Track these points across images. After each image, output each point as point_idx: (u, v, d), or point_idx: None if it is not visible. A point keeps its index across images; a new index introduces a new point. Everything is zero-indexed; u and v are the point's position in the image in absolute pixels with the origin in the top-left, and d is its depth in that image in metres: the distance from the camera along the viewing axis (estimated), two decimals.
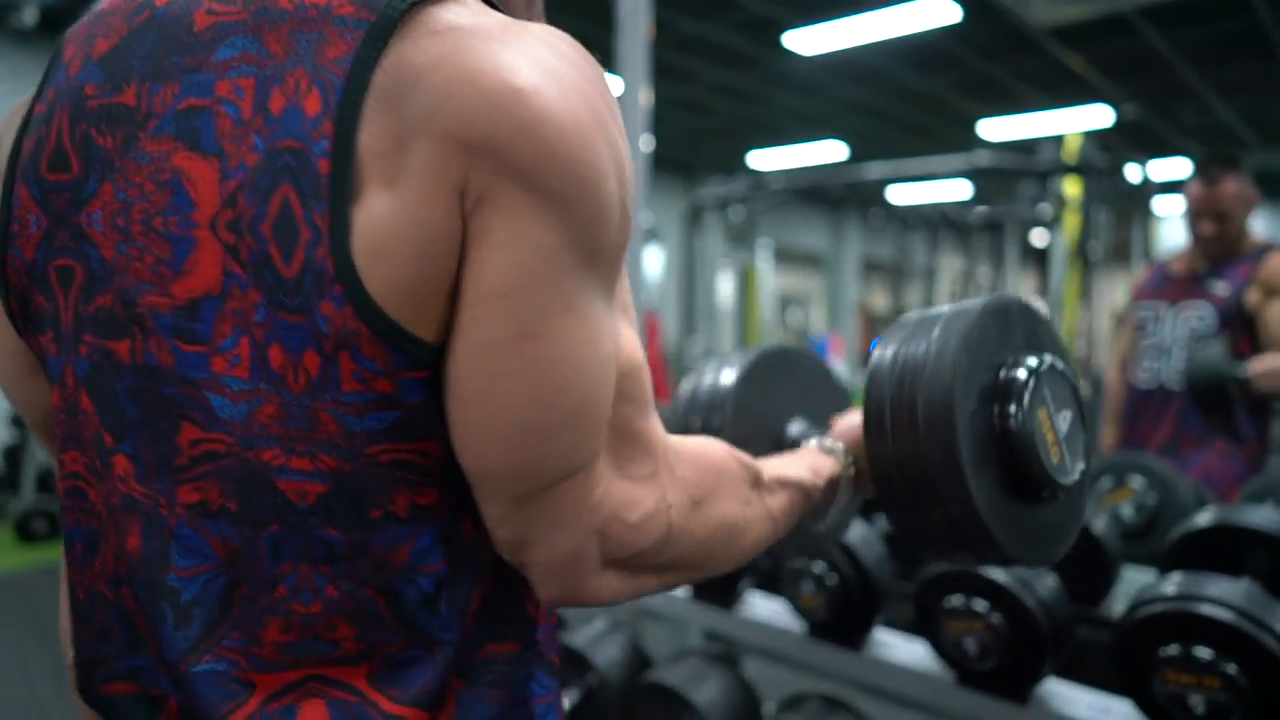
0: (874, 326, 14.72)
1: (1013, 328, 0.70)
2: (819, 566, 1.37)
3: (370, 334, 0.46)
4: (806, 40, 6.33)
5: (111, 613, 0.55)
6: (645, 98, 2.24)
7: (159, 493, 0.51)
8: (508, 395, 0.47)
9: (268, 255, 0.46)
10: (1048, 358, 0.69)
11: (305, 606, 0.50)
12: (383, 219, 0.45)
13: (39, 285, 0.54)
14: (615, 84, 2.13)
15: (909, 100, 8.17)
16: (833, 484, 0.75)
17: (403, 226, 0.45)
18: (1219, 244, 2.16)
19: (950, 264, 9.79)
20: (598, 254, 0.48)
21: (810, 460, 0.74)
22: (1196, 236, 2.18)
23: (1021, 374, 0.67)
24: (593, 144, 0.46)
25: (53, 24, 5.94)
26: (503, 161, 0.44)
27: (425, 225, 0.45)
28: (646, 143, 2.26)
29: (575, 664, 1.73)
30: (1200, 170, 2.17)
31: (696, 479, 0.59)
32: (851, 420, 0.79)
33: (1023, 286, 11.15)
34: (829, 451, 0.77)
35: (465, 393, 0.48)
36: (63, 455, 0.56)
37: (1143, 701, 1.08)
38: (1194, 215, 2.18)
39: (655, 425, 0.56)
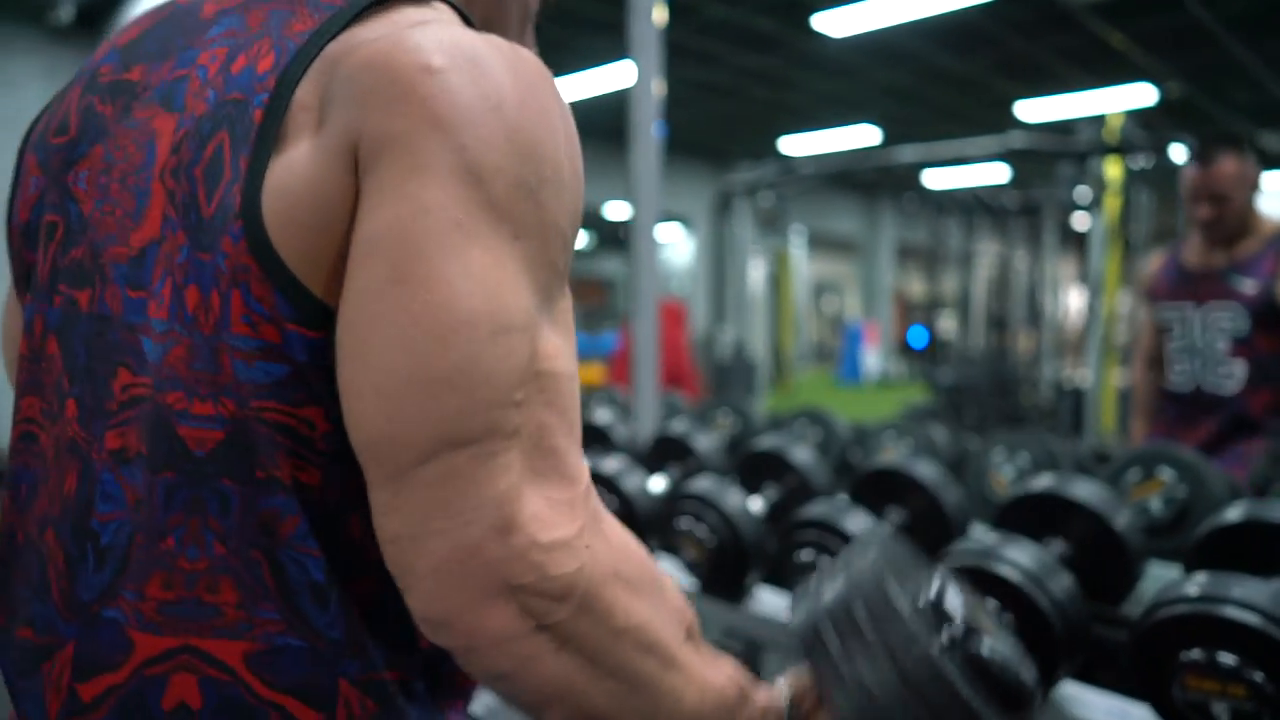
0: (910, 313, 14.52)
1: (893, 557, 0.62)
2: (825, 561, 1.33)
3: (260, 272, 0.47)
4: (836, 21, 6.21)
5: (33, 556, 0.56)
6: (658, 85, 2.19)
7: (93, 436, 0.52)
8: (384, 343, 0.45)
9: (195, 197, 0.49)
10: (941, 572, 0.62)
11: (191, 563, 0.49)
12: (294, 166, 0.48)
13: (29, 243, 0.59)
14: (628, 70, 2.10)
15: (943, 82, 7.99)
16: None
17: (308, 175, 0.48)
18: (1219, 227, 2.05)
19: (987, 249, 9.59)
20: (496, 222, 0.47)
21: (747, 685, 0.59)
22: (1194, 221, 2.08)
23: (957, 600, 0.60)
24: (491, 124, 0.47)
25: (89, 20, 6.02)
26: (395, 125, 0.46)
27: (325, 179, 0.47)
28: (659, 129, 2.21)
29: None
30: (1196, 152, 2.07)
31: (623, 553, 0.51)
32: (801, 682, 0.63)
33: (1062, 271, 10.91)
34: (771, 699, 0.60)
35: (346, 346, 0.47)
36: (20, 401, 0.58)
37: (1162, 708, 1.02)
38: (1190, 198, 2.07)
39: (579, 455, 0.50)
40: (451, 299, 0.44)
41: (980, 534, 1.27)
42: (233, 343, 0.48)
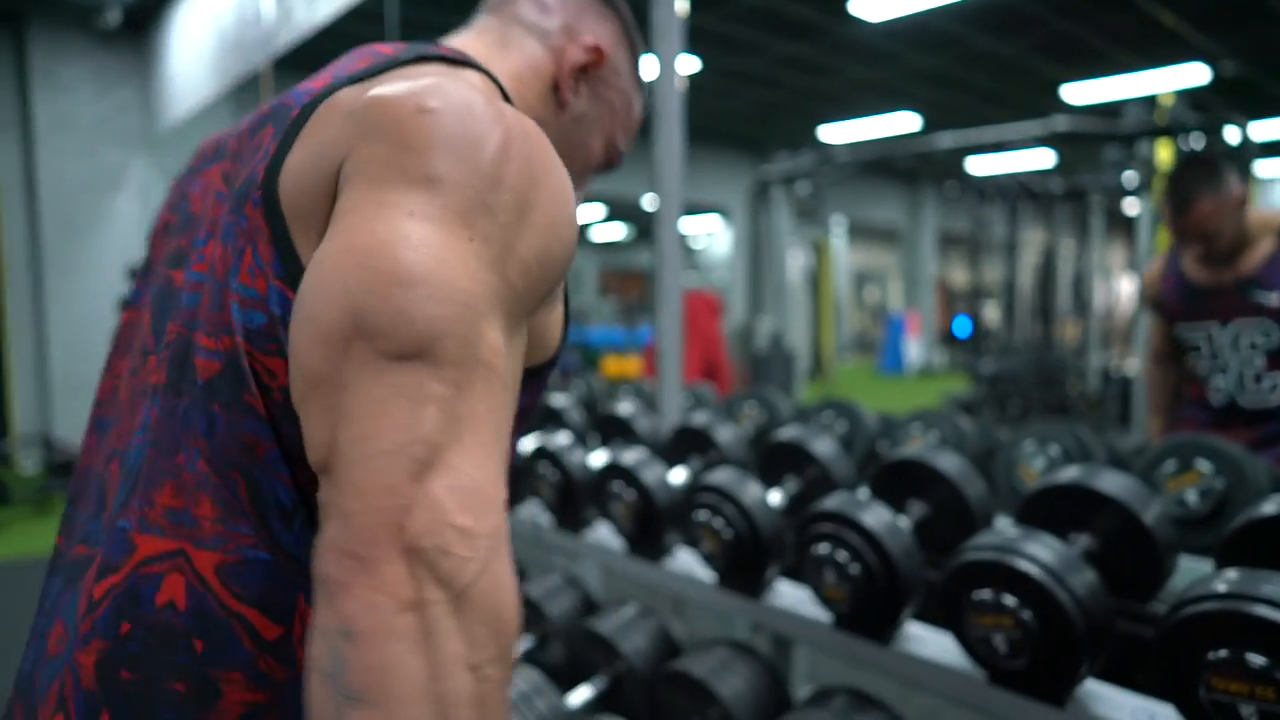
0: (953, 303, 14.26)
1: None
2: (841, 555, 1.30)
3: (268, 234, 0.56)
4: (873, 5, 6.11)
5: (95, 484, 0.66)
6: (680, 78, 2.16)
7: (150, 374, 0.63)
8: (326, 295, 0.48)
9: (238, 173, 0.62)
10: None
11: (192, 475, 0.56)
12: (307, 154, 0.56)
13: (153, 239, 0.75)
14: (650, 63, 2.08)
15: (985, 66, 7.82)
16: None
17: (313, 165, 0.55)
18: (1212, 255, 1.97)
19: (1032, 237, 9.37)
20: (452, 221, 0.50)
21: None
22: (1186, 253, 2.00)
23: None
24: (466, 157, 0.51)
25: (134, 24, 6.16)
26: (376, 150, 0.52)
27: (324, 172, 0.55)
28: (680, 121, 2.18)
29: (603, 650, 1.70)
30: (1170, 192, 1.96)
31: (501, 629, 0.47)
32: None
33: (1111, 258, 10.62)
34: None
35: (299, 301, 0.51)
36: (115, 362, 0.72)
37: (1188, 709, 0.98)
38: (1177, 239, 1.99)
39: (498, 471, 0.49)
40: (394, 263, 0.47)
41: (1003, 528, 1.23)
42: (235, 288, 0.56)
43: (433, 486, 0.44)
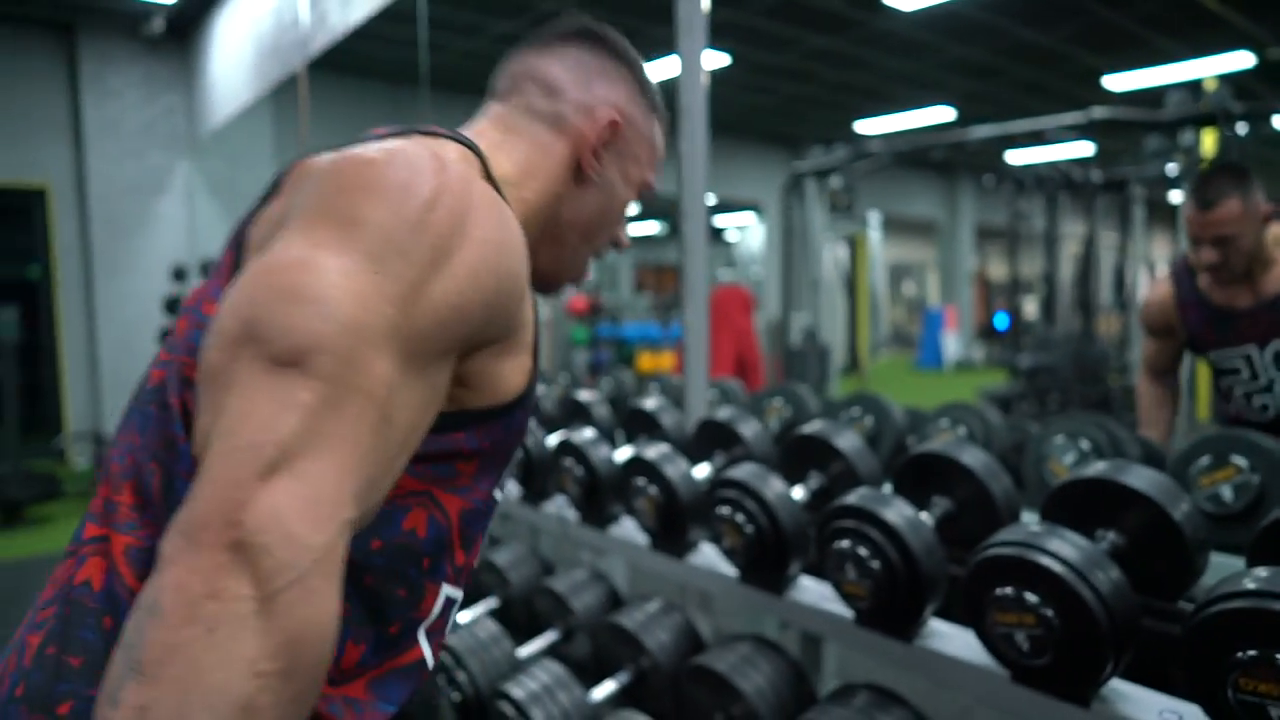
0: (992, 296, 14.04)
1: None
2: (862, 551, 1.29)
3: (230, 274, 0.64)
4: None
5: None
6: (705, 74, 2.15)
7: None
8: (233, 302, 0.54)
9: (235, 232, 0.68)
10: None
11: (120, 466, 0.64)
12: (277, 207, 0.63)
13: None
14: (671, 64, 2.08)
15: (1024, 57, 7.68)
16: None
17: (278, 215, 0.62)
18: (1224, 270, 1.88)
19: (1073, 229, 9.19)
20: (360, 255, 0.54)
21: None
22: (1198, 264, 1.90)
23: None
24: (395, 202, 0.56)
25: (179, 32, 6.30)
26: (312, 194, 0.59)
27: (281, 220, 0.60)
28: (706, 117, 2.18)
29: (627, 645, 1.71)
30: (1197, 189, 1.88)
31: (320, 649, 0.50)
32: None
33: (1153, 249, 10.37)
34: None
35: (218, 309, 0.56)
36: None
37: (1215, 709, 0.96)
38: (1192, 240, 1.90)
39: (352, 495, 0.51)
40: (292, 282, 0.52)
41: (1027, 524, 1.22)
42: (198, 316, 0.64)
43: (275, 487, 0.46)
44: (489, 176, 0.69)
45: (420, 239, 0.56)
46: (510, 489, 2.40)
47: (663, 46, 7.18)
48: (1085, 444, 1.71)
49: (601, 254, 0.88)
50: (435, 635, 0.72)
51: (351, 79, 7.61)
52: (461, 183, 0.60)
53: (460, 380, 0.64)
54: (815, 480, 1.70)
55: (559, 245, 0.81)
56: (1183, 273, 2.05)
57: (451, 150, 0.68)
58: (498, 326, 0.63)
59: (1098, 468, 1.28)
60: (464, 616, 2.06)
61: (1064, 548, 1.09)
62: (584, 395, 2.60)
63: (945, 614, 1.38)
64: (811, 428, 1.73)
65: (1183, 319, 2.06)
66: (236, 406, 0.49)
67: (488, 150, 0.74)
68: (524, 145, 0.78)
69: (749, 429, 1.92)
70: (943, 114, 9.78)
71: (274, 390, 0.49)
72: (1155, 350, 2.19)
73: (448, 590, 0.71)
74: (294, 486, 0.47)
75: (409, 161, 0.59)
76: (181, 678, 0.42)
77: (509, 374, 0.67)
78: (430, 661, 0.71)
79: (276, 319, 0.51)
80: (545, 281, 0.83)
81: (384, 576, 0.65)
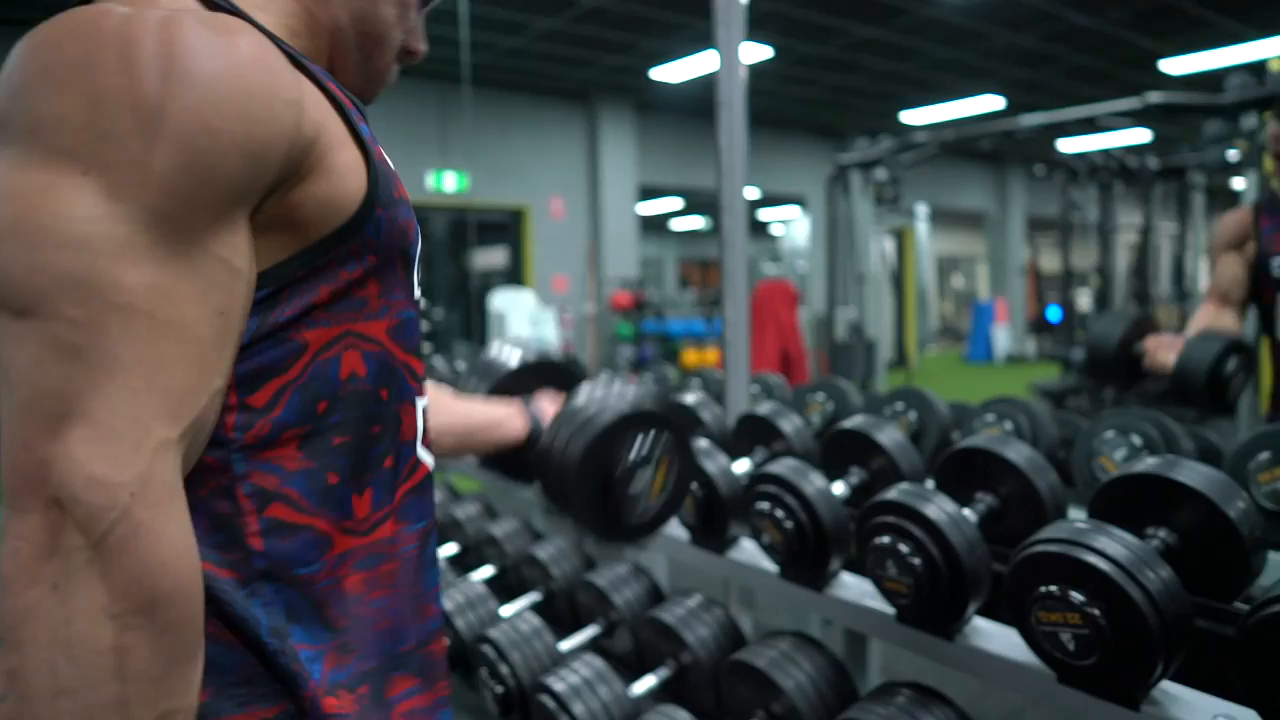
0: (1044, 289, 13.72)
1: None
2: (903, 547, 1.27)
3: None
4: None
5: None
6: (743, 66, 2.14)
7: None
8: None
9: None
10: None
11: None
12: None
13: None
14: (718, 47, 2.06)
15: (1076, 41, 7.48)
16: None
17: None
18: None
19: (1129, 219, 8.95)
20: (57, 161, 0.48)
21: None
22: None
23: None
24: (63, 85, 0.49)
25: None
26: None
27: None
28: (744, 109, 2.16)
29: (668, 640, 1.71)
30: (1276, 112, 1.89)
31: (175, 565, 0.49)
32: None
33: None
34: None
35: None
36: None
37: (1271, 713, 0.93)
38: (1274, 157, 1.91)
39: (151, 415, 0.48)
40: None
41: (1073, 520, 1.19)
42: None
43: (69, 438, 0.45)
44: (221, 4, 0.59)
45: (122, 113, 0.48)
46: None
47: (702, 41, 7.15)
48: (1137, 439, 1.67)
49: (398, 59, 0.78)
50: (427, 446, 0.73)
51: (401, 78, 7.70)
52: (156, 26, 0.50)
53: (289, 221, 0.57)
54: (856, 476, 1.68)
55: (344, 54, 0.71)
56: (1267, 199, 2.07)
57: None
58: (279, 160, 0.54)
59: (1149, 463, 1.24)
60: (507, 610, 2.08)
61: (1112, 545, 1.06)
62: None
63: (990, 612, 1.36)
64: (852, 423, 1.71)
65: (1257, 227, 2.06)
66: (4, 368, 0.47)
67: None
68: None
69: (789, 424, 1.90)
70: (991, 102, 9.58)
71: (28, 341, 0.46)
72: (1224, 267, 2.15)
73: (421, 402, 0.71)
74: (85, 431, 0.46)
75: (79, 30, 0.50)
76: (39, 637, 0.44)
77: (338, 187, 0.59)
78: (431, 468, 0.73)
79: None
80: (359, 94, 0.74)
81: (351, 428, 0.62)
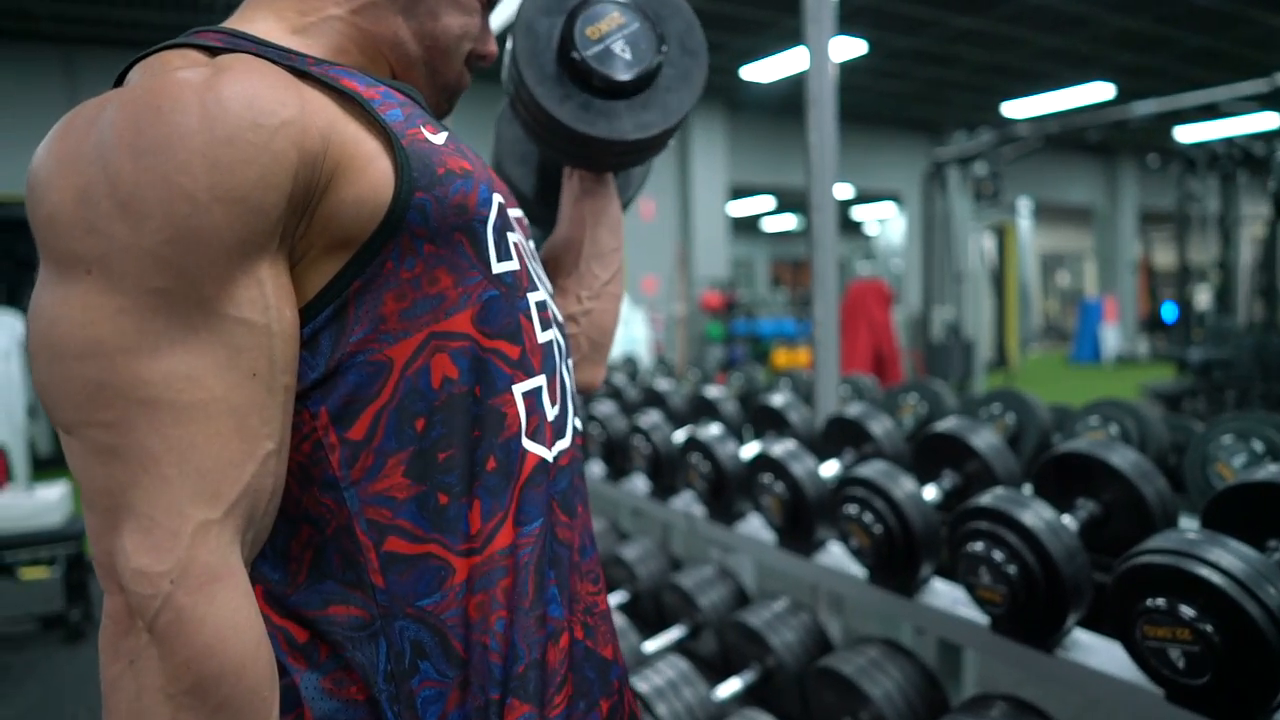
0: (1159, 288, 13.00)
1: None
2: (997, 555, 1.22)
3: None
4: None
5: None
6: (833, 63, 2.10)
7: None
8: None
9: None
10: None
11: None
12: None
13: None
14: (800, 55, 2.03)
15: (1193, 23, 7.07)
16: None
17: None
18: None
19: (1253, 210, 8.39)
20: (62, 265, 0.50)
21: None
22: None
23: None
24: (53, 200, 0.50)
25: None
26: None
27: None
28: (834, 106, 2.13)
29: (753, 644, 1.70)
30: None
31: (221, 647, 0.51)
32: None
33: None
34: None
35: None
36: None
37: None
38: None
39: (182, 502, 0.49)
40: (33, 344, 0.51)
41: (1184, 530, 1.12)
42: None
43: (121, 530, 0.49)
44: (238, 44, 0.58)
45: (99, 204, 0.48)
46: (639, 485, 2.42)
47: (792, 38, 7.05)
48: (1259, 445, 1.56)
49: (468, 64, 0.75)
50: (540, 433, 0.65)
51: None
52: (129, 104, 0.50)
53: (329, 234, 0.55)
54: (949, 480, 1.63)
55: (409, 68, 0.69)
56: None
57: (157, 65, 0.57)
58: (285, 187, 0.52)
59: (1271, 470, 1.16)
60: None
61: (1226, 558, 0.99)
62: (712, 391, 2.59)
63: (1093, 625, 1.29)
64: (945, 425, 1.65)
65: None
66: (73, 473, 0.51)
67: (257, 12, 0.63)
68: None
69: (879, 426, 1.86)
70: (1100, 91, 9.13)
71: (75, 448, 0.50)
72: None
73: (522, 388, 0.64)
74: (131, 524, 0.49)
75: (65, 124, 0.51)
76: (120, 708, 0.49)
77: (366, 184, 0.56)
78: (551, 454, 0.66)
79: (43, 386, 0.50)
80: (433, 105, 0.73)
81: (454, 438, 0.60)
